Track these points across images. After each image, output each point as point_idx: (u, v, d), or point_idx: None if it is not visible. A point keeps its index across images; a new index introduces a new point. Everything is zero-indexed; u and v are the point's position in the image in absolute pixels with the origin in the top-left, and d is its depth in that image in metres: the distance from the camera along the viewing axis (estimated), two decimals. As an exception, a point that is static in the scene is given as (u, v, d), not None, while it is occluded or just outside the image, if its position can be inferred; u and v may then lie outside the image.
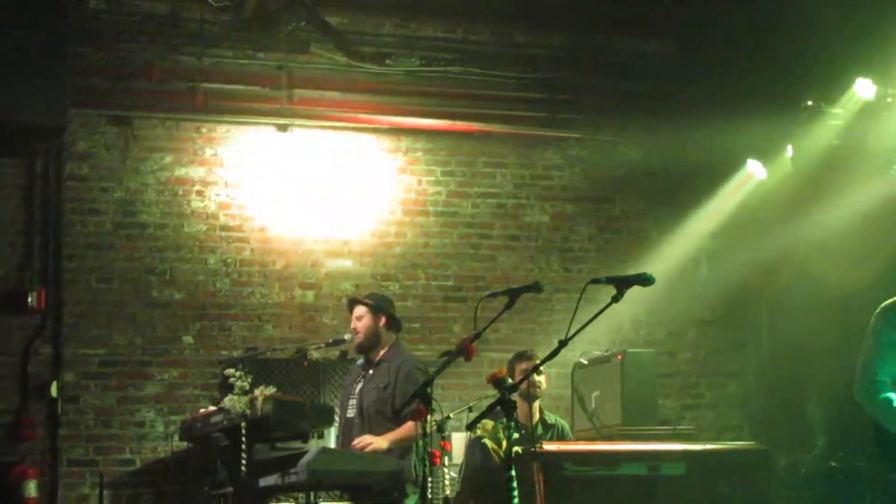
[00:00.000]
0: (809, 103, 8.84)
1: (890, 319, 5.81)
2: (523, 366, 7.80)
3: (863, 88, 8.58)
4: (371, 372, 6.97)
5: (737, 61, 9.18)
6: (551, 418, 8.07)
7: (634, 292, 5.41)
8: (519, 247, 9.83)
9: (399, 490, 6.55)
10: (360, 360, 7.16)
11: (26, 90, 7.94)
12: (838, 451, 8.32)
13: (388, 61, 9.53)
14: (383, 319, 7.01)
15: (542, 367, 6.10)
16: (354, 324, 7.00)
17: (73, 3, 8.60)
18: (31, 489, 8.21)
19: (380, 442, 6.54)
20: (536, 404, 7.83)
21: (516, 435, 5.20)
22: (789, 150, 9.13)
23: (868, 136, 8.55)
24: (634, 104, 9.95)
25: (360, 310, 7.02)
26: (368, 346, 7.00)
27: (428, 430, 5.30)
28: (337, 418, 7.25)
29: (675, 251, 10.04)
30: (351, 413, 6.98)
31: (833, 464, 8.02)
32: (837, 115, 8.75)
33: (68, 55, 8.20)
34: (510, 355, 8.11)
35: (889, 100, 8.46)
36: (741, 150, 9.62)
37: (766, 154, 9.41)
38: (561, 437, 7.98)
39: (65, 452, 8.52)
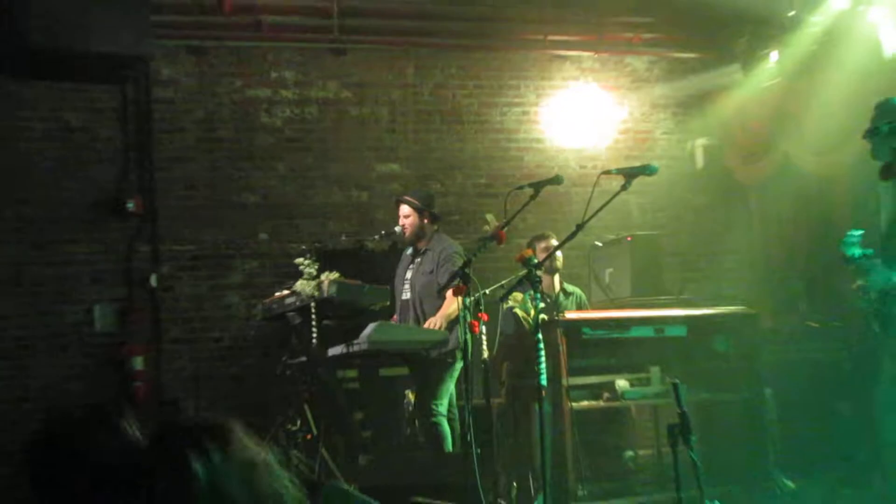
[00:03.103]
0: (792, 13, 8.74)
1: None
2: (543, 244, 7.88)
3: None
4: (419, 260, 7.15)
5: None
6: (570, 288, 8.19)
7: (640, 184, 5.52)
8: (541, 148, 9.85)
9: (445, 354, 6.75)
10: (409, 251, 7.30)
11: (116, 25, 7.93)
12: (816, 314, 8.41)
13: (428, -11, 9.46)
14: (426, 216, 7.17)
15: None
16: (402, 220, 7.14)
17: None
18: (139, 363, 8.43)
19: (440, 320, 6.70)
20: (556, 277, 7.96)
21: (542, 304, 5.35)
22: (774, 56, 9.06)
23: (842, 42, 8.47)
24: (638, 21, 9.90)
25: (405, 209, 7.15)
26: (415, 239, 7.16)
27: (468, 304, 5.45)
28: (391, 299, 7.40)
29: (675, 147, 10.07)
30: (406, 296, 7.14)
31: (810, 323, 8.11)
32: (816, 24, 8.65)
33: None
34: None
35: (860, 9, 8.36)
36: (731, 57, 9.56)
37: (753, 59, 9.34)
38: (580, 302, 8.10)
39: (165, 333, 8.70)
